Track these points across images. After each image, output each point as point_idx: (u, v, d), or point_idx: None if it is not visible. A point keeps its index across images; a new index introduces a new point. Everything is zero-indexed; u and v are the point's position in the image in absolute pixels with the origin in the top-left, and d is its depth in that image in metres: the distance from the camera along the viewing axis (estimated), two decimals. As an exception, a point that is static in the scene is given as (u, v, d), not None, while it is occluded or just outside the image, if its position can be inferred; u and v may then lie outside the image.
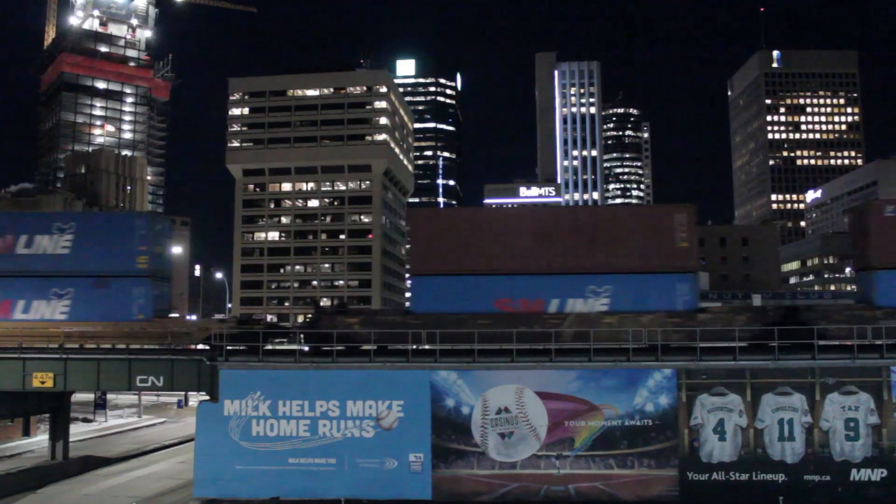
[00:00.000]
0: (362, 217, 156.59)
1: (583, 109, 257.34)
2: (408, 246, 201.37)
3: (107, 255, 40.30)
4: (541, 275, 38.09)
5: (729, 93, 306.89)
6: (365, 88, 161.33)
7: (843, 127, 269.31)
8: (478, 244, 38.68)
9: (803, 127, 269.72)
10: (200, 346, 40.24)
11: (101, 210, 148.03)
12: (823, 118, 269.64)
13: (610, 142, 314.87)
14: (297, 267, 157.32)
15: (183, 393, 79.51)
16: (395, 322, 38.57)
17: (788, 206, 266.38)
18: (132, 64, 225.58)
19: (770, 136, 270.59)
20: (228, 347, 37.47)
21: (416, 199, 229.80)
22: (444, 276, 38.27)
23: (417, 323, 37.04)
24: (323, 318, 39.59)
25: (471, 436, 35.35)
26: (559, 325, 36.71)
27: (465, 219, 42.04)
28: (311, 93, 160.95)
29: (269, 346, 42.18)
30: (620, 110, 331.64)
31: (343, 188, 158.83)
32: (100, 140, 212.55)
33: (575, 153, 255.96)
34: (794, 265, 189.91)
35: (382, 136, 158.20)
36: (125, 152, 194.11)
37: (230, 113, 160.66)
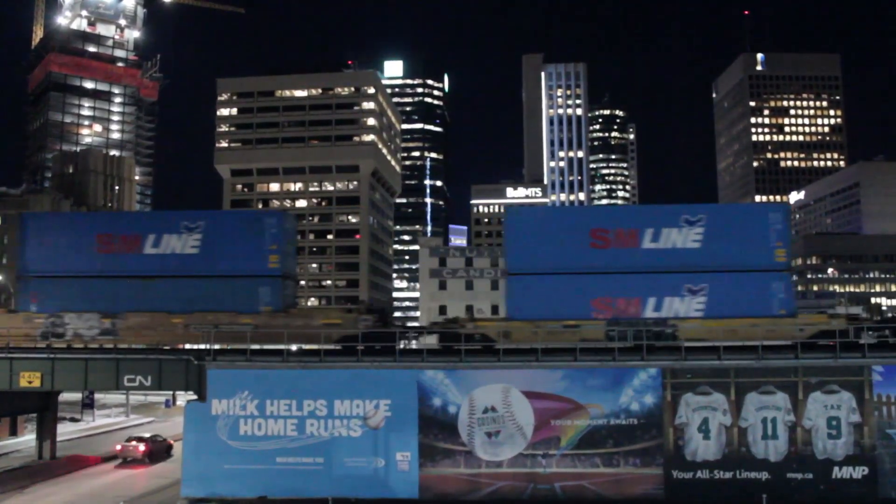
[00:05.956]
0: (350, 217, 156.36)
1: (569, 111, 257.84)
2: (396, 246, 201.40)
3: None
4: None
5: (714, 95, 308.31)
6: (353, 89, 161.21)
7: (826, 129, 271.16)
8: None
9: (787, 129, 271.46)
10: (188, 346, 40.29)
11: (89, 210, 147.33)
12: (807, 120, 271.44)
13: (596, 143, 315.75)
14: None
15: (171, 392, 79.26)
16: None
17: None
18: (120, 64, 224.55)
19: (754, 137, 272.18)
20: (216, 347, 37.60)
21: (404, 200, 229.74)
22: None
23: None
24: None
25: (458, 435, 35.59)
26: None
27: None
28: (299, 93, 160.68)
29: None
30: (606, 112, 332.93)
31: (331, 188, 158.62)
32: (88, 140, 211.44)
33: (561, 154, 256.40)
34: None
35: (370, 137, 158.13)
36: (113, 152, 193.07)
37: (218, 113, 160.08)
